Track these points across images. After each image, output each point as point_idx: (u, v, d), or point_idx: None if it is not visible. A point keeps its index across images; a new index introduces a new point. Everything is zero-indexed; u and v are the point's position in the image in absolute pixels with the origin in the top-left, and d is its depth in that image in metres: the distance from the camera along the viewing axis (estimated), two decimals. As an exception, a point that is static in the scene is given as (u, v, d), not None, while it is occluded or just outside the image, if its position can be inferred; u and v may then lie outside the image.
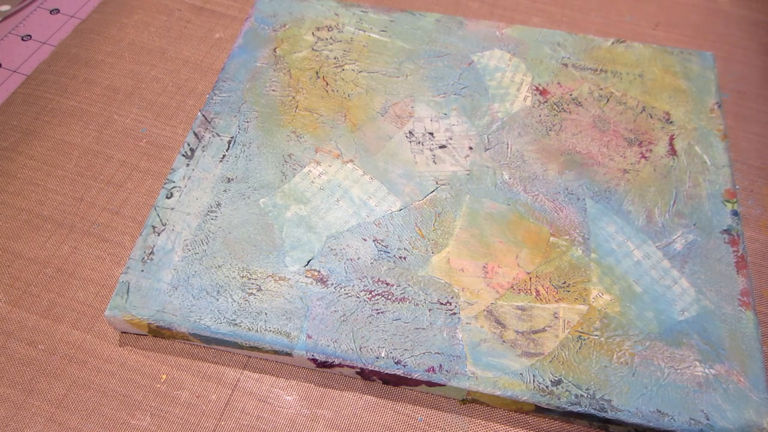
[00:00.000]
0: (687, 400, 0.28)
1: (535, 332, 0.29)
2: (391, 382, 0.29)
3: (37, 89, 0.40)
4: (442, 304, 0.30)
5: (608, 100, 0.38)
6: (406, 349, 0.29)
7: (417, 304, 0.30)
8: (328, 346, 0.29)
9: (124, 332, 0.31)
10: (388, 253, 0.32)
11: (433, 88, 0.38)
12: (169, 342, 0.31)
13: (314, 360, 0.29)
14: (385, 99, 0.38)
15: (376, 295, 0.30)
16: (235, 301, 0.30)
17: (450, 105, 0.37)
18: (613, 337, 0.29)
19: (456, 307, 0.30)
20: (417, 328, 0.29)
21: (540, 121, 0.37)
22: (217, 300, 0.30)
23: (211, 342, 0.30)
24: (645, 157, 0.35)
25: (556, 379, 0.28)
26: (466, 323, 0.29)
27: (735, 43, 0.44)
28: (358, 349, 0.28)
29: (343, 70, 0.39)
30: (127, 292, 0.30)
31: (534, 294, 0.30)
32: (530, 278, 0.31)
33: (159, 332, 0.30)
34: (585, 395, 0.28)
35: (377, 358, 0.28)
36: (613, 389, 0.28)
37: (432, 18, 0.42)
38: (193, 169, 0.34)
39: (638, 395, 0.28)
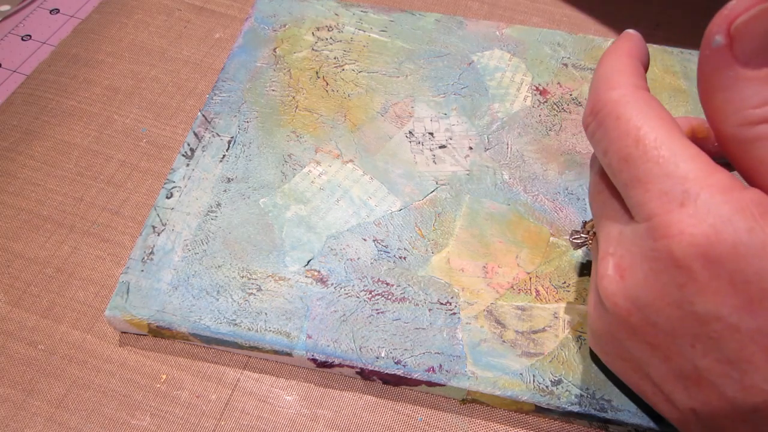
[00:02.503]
0: (687, 400, 0.28)
1: (535, 332, 0.29)
2: (391, 382, 0.29)
3: (37, 89, 0.40)
4: (442, 304, 0.30)
5: (608, 100, 0.38)
6: (406, 349, 0.29)
7: (417, 304, 0.30)
8: (328, 346, 0.29)
9: (124, 332, 0.31)
10: (388, 253, 0.32)
11: (433, 88, 0.38)
12: (169, 342, 0.31)
13: (314, 360, 0.29)
14: (385, 99, 0.38)
15: (376, 295, 0.30)
16: (235, 301, 0.30)
17: (450, 105, 0.37)
18: (613, 337, 0.29)
19: (456, 307, 0.30)
20: (417, 328, 0.29)
21: (540, 121, 0.37)
22: (217, 300, 0.30)
23: (211, 342, 0.30)
24: (645, 157, 0.35)
25: (556, 379, 0.28)
26: (466, 323, 0.29)
27: (735, 43, 0.44)
28: (358, 349, 0.28)
29: (343, 70, 0.39)
30: (127, 292, 0.30)
31: (534, 294, 0.30)
32: (530, 278, 0.31)
33: (159, 332, 0.30)
34: (585, 395, 0.28)
35: (377, 358, 0.28)
36: (613, 389, 0.28)
37: (432, 18, 0.42)
38: (193, 169, 0.34)
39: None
